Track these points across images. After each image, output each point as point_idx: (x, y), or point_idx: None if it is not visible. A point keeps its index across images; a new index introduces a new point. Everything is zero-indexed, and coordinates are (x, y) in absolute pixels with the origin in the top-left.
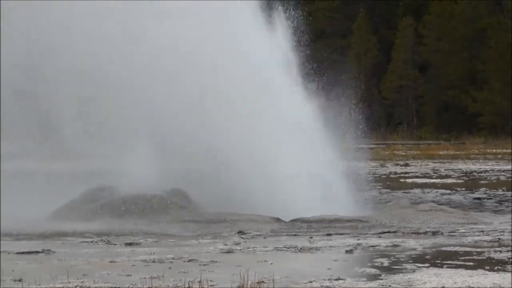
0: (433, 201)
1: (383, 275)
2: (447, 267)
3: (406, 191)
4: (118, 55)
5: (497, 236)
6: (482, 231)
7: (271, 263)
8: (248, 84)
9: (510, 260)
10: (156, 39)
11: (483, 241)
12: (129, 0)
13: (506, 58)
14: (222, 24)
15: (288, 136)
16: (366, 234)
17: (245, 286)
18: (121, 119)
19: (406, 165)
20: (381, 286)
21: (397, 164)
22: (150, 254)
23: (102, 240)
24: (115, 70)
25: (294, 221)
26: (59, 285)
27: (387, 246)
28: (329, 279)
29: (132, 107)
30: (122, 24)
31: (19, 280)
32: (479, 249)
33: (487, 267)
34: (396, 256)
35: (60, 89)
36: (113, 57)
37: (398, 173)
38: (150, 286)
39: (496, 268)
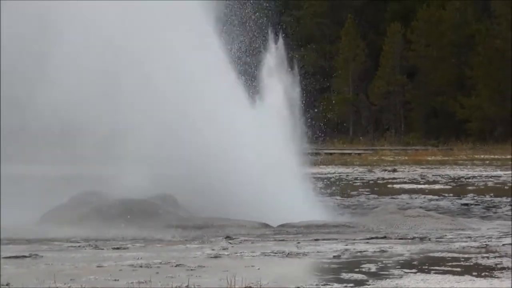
0: (420, 207)
1: (370, 281)
2: (435, 273)
3: (393, 196)
4: (101, 60)
5: (485, 242)
6: (469, 237)
7: (259, 268)
8: (234, 92)
9: (497, 266)
10: (145, 50)
11: (471, 247)
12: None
13: (494, 64)
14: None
15: (275, 143)
16: (354, 239)
17: None
18: (110, 125)
19: (394, 170)
20: None
21: (385, 170)
22: (138, 259)
23: (89, 244)
24: (103, 76)
25: (281, 226)
26: None
27: (375, 251)
28: (316, 285)
29: (121, 112)
30: (124, 35)
31: (7, 285)
32: (466, 255)
33: (474, 273)
34: (384, 261)
35: (51, 95)
36: (97, 63)
37: (386, 179)
38: None
39: (483, 274)
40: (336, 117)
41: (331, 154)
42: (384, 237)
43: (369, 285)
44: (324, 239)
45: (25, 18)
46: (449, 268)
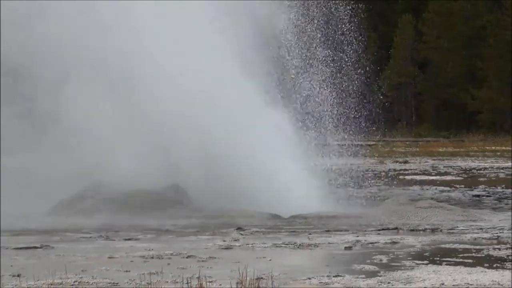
0: (432, 198)
1: (382, 272)
2: (446, 264)
3: (405, 188)
4: (115, 51)
5: (496, 233)
6: (481, 229)
7: (270, 260)
8: (245, 84)
9: (509, 257)
10: (152, 38)
11: (482, 238)
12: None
13: (505, 56)
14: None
15: (286, 135)
16: (365, 230)
17: (243, 283)
18: (120, 116)
19: (405, 162)
20: (380, 283)
21: (396, 161)
22: (149, 250)
23: (100, 235)
24: (114, 68)
25: (293, 217)
26: (58, 281)
27: (386, 243)
28: (327, 276)
29: (130, 104)
30: (122, 20)
31: (18, 276)
32: (478, 247)
33: (486, 265)
34: (395, 253)
35: (60, 84)
36: (110, 52)
37: (397, 170)
38: (149, 282)
39: (495, 265)
40: (347, 108)
41: (342, 145)
42: (396, 228)
43: (380, 276)
44: (335, 230)
45: (54, 17)
46: (461, 260)
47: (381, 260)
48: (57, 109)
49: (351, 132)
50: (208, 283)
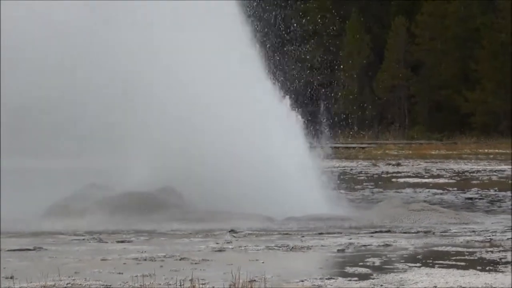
0: (425, 201)
1: (374, 275)
2: (439, 267)
3: (398, 190)
4: (111, 60)
5: (489, 236)
6: (473, 231)
7: (263, 262)
8: (241, 86)
9: (502, 260)
10: (144, 45)
11: (475, 241)
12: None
13: (499, 58)
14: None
15: (280, 136)
16: (358, 233)
17: (236, 285)
18: (114, 118)
19: (398, 164)
20: (372, 286)
21: (389, 164)
22: (142, 252)
23: (93, 238)
24: (108, 73)
25: (286, 219)
26: (51, 283)
27: (379, 245)
28: (320, 278)
29: (125, 107)
30: (125, 33)
31: (11, 278)
32: (470, 249)
33: (478, 267)
34: (388, 255)
35: (56, 89)
36: (106, 60)
37: (390, 173)
38: (142, 284)
39: (487, 268)
40: (341, 111)
41: (335, 147)
42: (388, 231)
43: (373, 279)
44: (328, 233)
45: (57, 19)
46: (453, 262)
47: (374, 262)
48: (54, 112)
49: (344, 134)
50: (201, 285)
